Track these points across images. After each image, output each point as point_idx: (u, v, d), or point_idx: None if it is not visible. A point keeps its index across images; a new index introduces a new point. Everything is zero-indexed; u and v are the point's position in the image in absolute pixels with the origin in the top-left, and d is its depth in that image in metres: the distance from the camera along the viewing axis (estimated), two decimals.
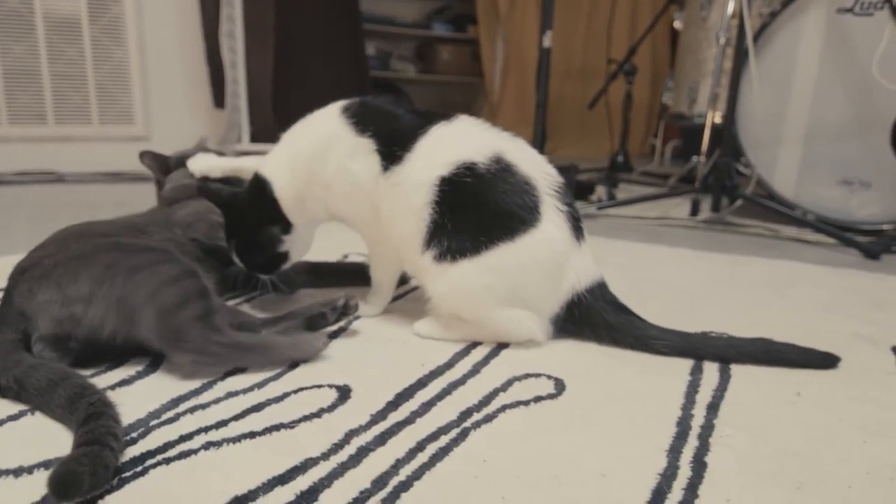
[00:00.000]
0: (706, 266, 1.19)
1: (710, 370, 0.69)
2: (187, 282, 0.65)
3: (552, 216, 0.72)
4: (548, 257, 0.71)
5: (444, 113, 0.79)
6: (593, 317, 0.74)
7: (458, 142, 0.73)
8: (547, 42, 2.07)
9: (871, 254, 1.35)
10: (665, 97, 2.34)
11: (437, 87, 4.20)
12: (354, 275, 0.96)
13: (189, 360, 0.63)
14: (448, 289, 0.72)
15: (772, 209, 1.60)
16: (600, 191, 1.99)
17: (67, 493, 0.42)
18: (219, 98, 2.32)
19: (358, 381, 0.63)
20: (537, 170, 0.74)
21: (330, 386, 0.62)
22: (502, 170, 0.71)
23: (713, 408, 0.61)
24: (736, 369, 0.70)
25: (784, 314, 0.91)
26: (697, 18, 2.14)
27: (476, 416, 0.57)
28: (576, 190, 2.03)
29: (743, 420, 0.58)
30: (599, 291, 0.75)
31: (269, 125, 2.34)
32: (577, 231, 0.74)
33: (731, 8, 1.93)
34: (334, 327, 0.77)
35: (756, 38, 1.60)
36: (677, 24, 2.27)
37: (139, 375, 0.64)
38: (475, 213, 0.70)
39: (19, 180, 2.11)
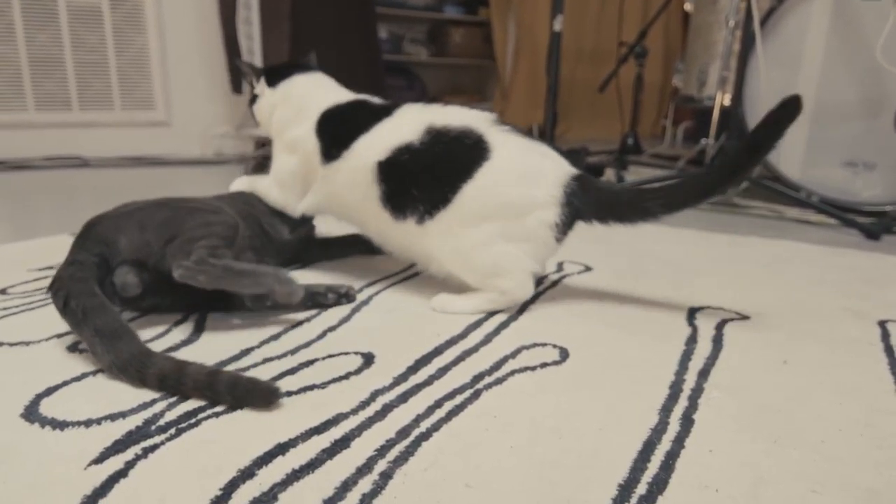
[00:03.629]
0: (705, 245, 1.24)
1: (704, 341, 0.75)
2: (219, 227, 0.75)
3: (501, 142, 0.81)
4: (512, 171, 0.80)
5: (392, 104, 0.92)
6: (589, 204, 0.81)
7: (392, 132, 0.85)
8: (558, 26, 2.10)
9: (872, 234, 1.39)
10: (676, 79, 2.36)
11: (449, 69, 4.22)
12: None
13: (181, 272, 0.69)
14: (438, 239, 0.82)
15: (776, 191, 1.64)
16: (609, 173, 2.03)
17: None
18: (236, 83, 2.38)
19: (380, 349, 0.70)
20: (473, 116, 0.84)
21: (355, 353, 0.69)
22: (437, 133, 0.82)
23: (704, 374, 0.66)
24: (728, 339, 0.76)
25: (775, 290, 0.96)
26: (708, 1, 2.16)
27: (487, 379, 0.63)
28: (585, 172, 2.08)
29: (730, 384, 0.64)
30: (583, 182, 0.81)
31: None
32: (534, 139, 0.84)
33: None
34: (356, 302, 0.84)
35: (765, 21, 1.63)
36: (688, 7, 2.29)
37: (184, 343, 0.71)
38: (432, 176, 0.81)
39: (47, 165, 2.19)
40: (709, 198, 0.79)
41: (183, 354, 0.67)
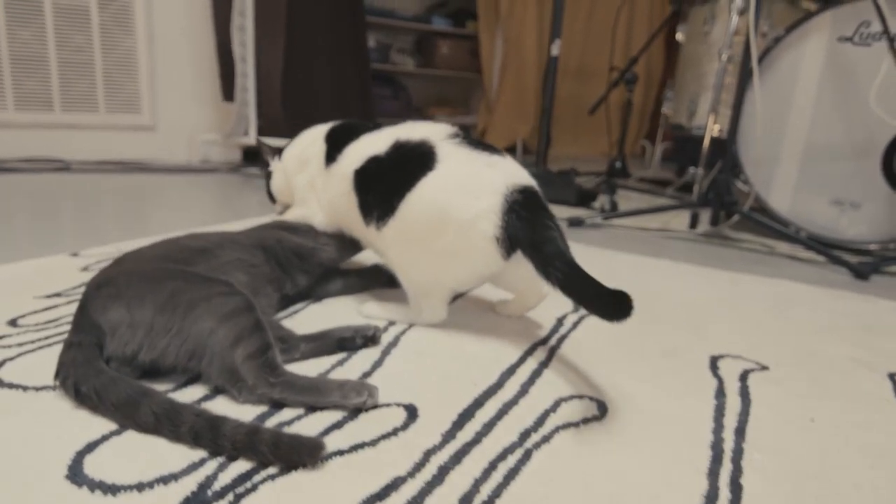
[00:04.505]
0: (708, 283, 1.27)
1: (732, 394, 0.77)
2: (242, 317, 0.69)
3: (447, 153, 0.83)
4: (450, 181, 0.81)
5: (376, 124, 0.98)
6: (523, 227, 0.78)
7: (369, 143, 0.91)
8: (555, 51, 2.12)
9: (860, 274, 1.45)
10: (665, 107, 2.41)
11: (436, 81, 4.23)
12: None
13: (242, 398, 0.66)
14: (390, 246, 0.87)
15: (766, 225, 1.69)
16: (603, 199, 2.06)
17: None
18: (228, 91, 2.33)
19: (421, 400, 0.70)
20: (433, 129, 0.88)
21: (397, 405, 0.68)
22: (398, 146, 0.87)
23: (740, 432, 0.68)
24: (754, 393, 0.78)
25: (785, 336, 0.99)
26: (700, 33, 2.22)
27: (535, 437, 0.64)
28: (578, 196, 2.10)
29: (767, 444, 0.66)
30: (527, 197, 0.79)
31: (277, 119, 2.36)
32: (489, 150, 0.85)
33: (734, 25, 2.01)
34: (382, 343, 0.83)
35: (760, 59, 1.68)
36: (679, 37, 2.34)
37: (215, 392, 0.69)
38: (385, 185, 0.86)
39: (25, 167, 2.11)
40: (586, 306, 0.73)
41: (216, 406, 0.66)
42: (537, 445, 0.62)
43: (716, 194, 1.72)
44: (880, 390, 0.82)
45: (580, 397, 0.73)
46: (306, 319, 0.92)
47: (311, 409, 0.66)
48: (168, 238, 0.87)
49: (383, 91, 3.75)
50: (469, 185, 0.81)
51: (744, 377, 0.83)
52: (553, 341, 0.90)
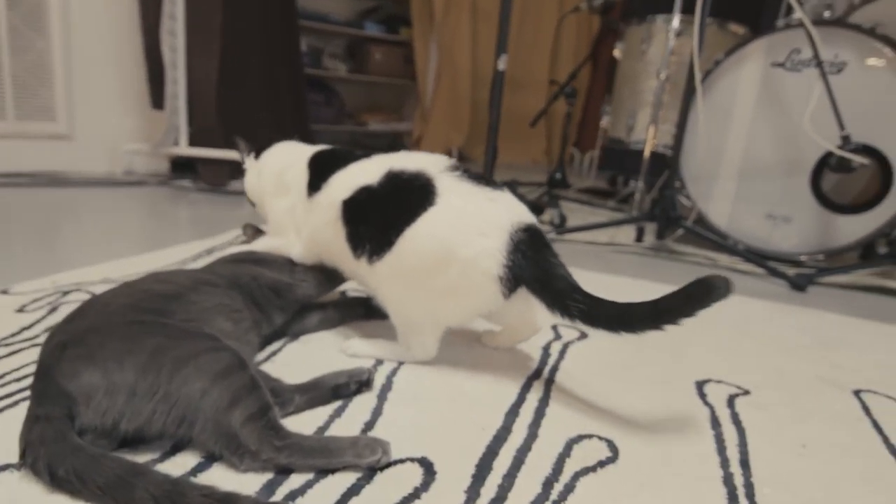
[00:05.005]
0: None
1: (727, 423, 0.79)
2: (236, 376, 0.63)
3: (447, 187, 0.80)
4: (453, 218, 0.78)
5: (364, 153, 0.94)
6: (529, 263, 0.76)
7: (359, 172, 0.87)
8: (502, 65, 2.12)
9: (798, 286, 1.55)
10: (604, 121, 2.49)
11: (369, 87, 4.16)
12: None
13: (244, 466, 0.60)
14: (383, 281, 0.83)
15: (708, 239, 1.78)
16: (551, 212, 2.09)
17: None
18: (157, 98, 2.18)
19: (433, 452, 0.66)
20: (429, 160, 0.85)
21: (411, 460, 0.64)
22: (392, 177, 0.83)
23: (745, 465, 0.70)
24: (745, 420, 0.80)
25: (755, 357, 1.04)
26: (637, 51, 2.30)
27: (558, 487, 0.62)
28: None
29: (771, 475, 0.68)
30: (531, 235, 0.77)
31: (211, 128, 2.23)
32: (489, 184, 0.82)
33: (671, 46, 2.10)
34: (375, 387, 0.79)
35: (702, 80, 1.76)
36: (617, 53, 2.42)
37: (210, 460, 0.62)
38: (380, 218, 0.83)
39: None
40: (626, 331, 0.73)
41: (216, 475, 0.59)
42: (563, 497, 0.61)
43: (662, 209, 1.79)
44: (851, 409, 0.87)
45: (589, 437, 0.73)
46: (288, 362, 0.86)
47: (321, 471, 0.61)
48: (130, 282, 0.78)
49: (316, 97, 3.65)
50: (473, 222, 0.78)
51: (731, 403, 0.85)
52: (546, 373, 0.89)
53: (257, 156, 1.06)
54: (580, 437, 0.72)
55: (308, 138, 3.53)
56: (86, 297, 1.02)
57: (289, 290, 0.91)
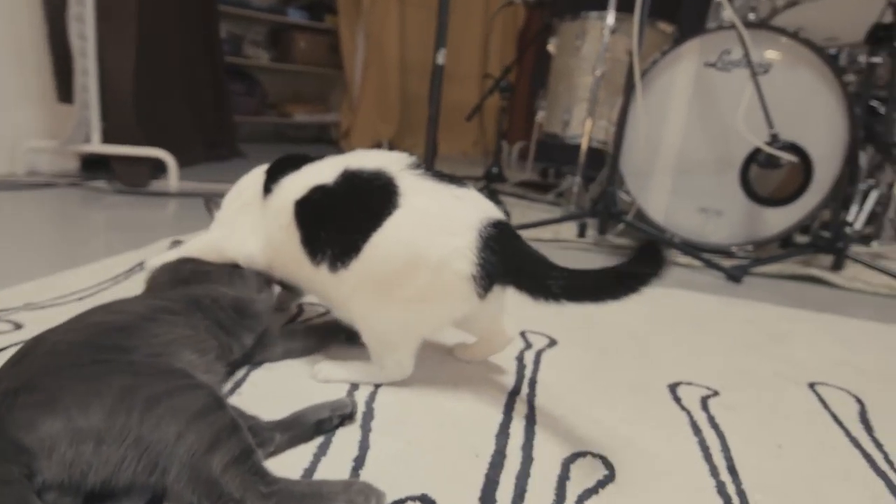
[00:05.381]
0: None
1: (706, 427, 0.81)
2: (214, 416, 0.56)
3: (411, 187, 0.76)
4: (421, 220, 0.74)
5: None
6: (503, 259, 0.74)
7: (312, 172, 0.84)
8: (441, 59, 2.10)
9: (734, 277, 1.62)
10: (539, 116, 2.51)
11: (293, 76, 4.00)
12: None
13: None
14: (351, 291, 0.78)
15: (648, 233, 1.83)
16: None
17: None
18: (64, 91, 1.97)
19: (431, 487, 0.63)
20: (387, 158, 0.81)
21: (411, 500, 0.61)
22: (349, 176, 0.80)
23: (733, 471, 0.71)
24: (721, 422, 0.82)
25: (715, 355, 1.07)
26: (571, 47, 2.33)
27: None
28: None
29: (759, 481, 0.69)
30: (500, 231, 0.75)
31: (128, 124, 2.05)
32: (452, 181, 0.79)
33: (606, 42, 2.13)
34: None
35: (633, 84, 1.80)
36: (551, 49, 2.44)
37: None
38: (341, 221, 0.79)
39: None
40: (608, 298, 0.69)
41: None
42: None
43: (604, 205, 1.82)
44: (810, 403, 0.91)
45: (583, 455, 0.71)
46: (257, 394, 0.79)
47: None
48: (77, 316, 0.69)
49: (236, 86, 3.46)
50: (440, 222, 0.75)
51: (705, 405, 0.87)
52: (525, 387, 0.87)
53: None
54: (574, 456, 0.71)
55: (230, 131, 3.33)
56: (7, 327, 0.90)
57: (251, 305, 0.84)
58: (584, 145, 2.18)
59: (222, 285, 0.85)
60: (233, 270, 0.89)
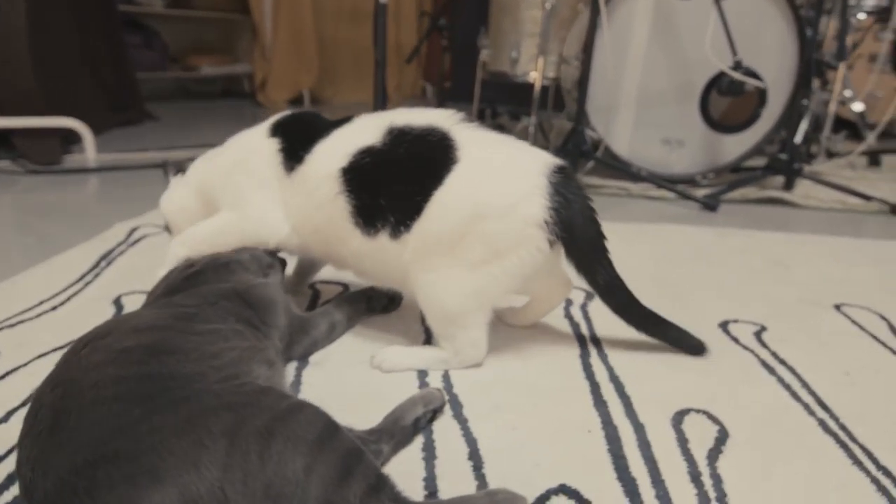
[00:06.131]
0: (624, 240, 1.32)
1: (777, 366, 0.81)
2: (336, 440, 0.48)
3: (471, 140, 0.72)
4: (485, 169, 0.71)
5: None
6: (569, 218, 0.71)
7: (350, 135, 0.76)
8: None
9: (710, 206, 1.66)
10: (483, 54, 2.40)
11: (194, 24, 3.61)
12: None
13: None
14: (416, 257, 0.72)
15: (617, 168, 1.83)
16: None
17: None
18: None
19: (565, 475, 0.58)
20: (435, 115, 0.75)
21: (555, 494, 0.55)
22: (397, 136, 0.73)
23: (824, 406, 0.72)
24: (790, 360, 0.83)
25: (736, 289, 1.08)
26: None
27: (707, 480, 0.58)
28: None
29: (849, 411, 0.70)
30: (567, 176, 0.72)
31: (27, 90, 1.75)
32: (500, 132, 0.77)
33: None
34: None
35: (597, 14, 1.74)
36: None
37: None
38: (397, 183, 0.72)
39: None
40: (627, 319, 0.78)
41: None
42: (718, 489, 0.57)
43: (574, 144, 1.79)
44: (846, 327, 0.94)
45: (686, 412, 0.69)
46: (317, 396, 0.69)
47: None
48: (85, 344, 0.54)
49: (133, 38, 3.06)
50: (506, 171, 0.71)
51: (762, 342, 0.88)
52: (592, 349, 0.84)
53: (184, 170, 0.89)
54: (680, 416, 0.69)
55: (134, 91, 2.97)
56: None
57: (263, 292, 0.71)
58: (538, 83, 2.12)
59: (222, 279, 0.72)
60: (228, 259, 0.75)
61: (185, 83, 3.78)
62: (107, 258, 1.07)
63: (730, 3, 1.68)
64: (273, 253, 0.82)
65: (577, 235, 0.71)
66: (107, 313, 0.86)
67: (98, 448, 0.43)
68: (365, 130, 0.75)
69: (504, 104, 2.83)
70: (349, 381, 0.73)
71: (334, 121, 0.81)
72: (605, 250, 0.74)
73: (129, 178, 1.70)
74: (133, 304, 0.89)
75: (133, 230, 1.22)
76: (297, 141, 0.78)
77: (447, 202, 0.70)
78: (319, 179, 0.75)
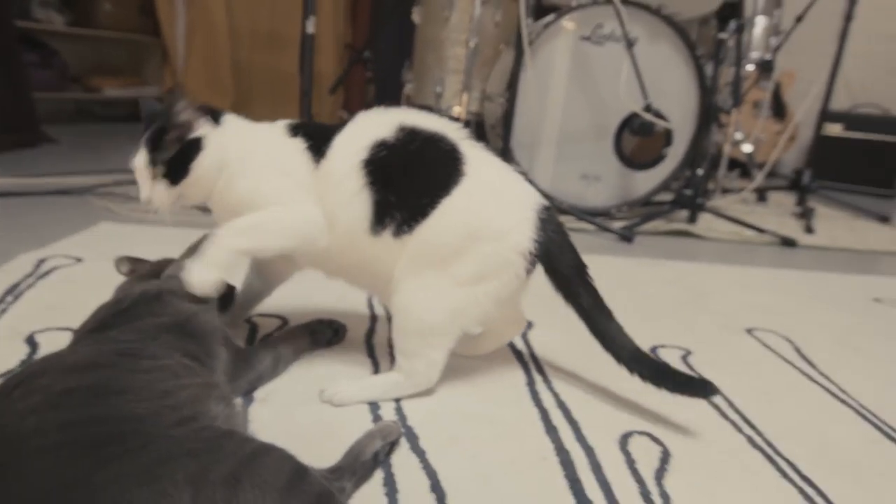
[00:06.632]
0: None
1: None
2: (304, 483, 0.47)
3: (478, 158, 0.74)
4: (490, 191, 0.73)
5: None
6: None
7: (364, 128, 0.75)
8: (310, 28, 1.95)
9: (626, 238, 1.76)
10: (407, 88, 2.44)
11: (97, 44, 3.42)
12: None
13: None
14: (408, 259, 0.72)
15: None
16: None
17: None
18: None
19: (529, 503, 0.59)
20: (442, 125, 0.76)
21: None
22: (410, 133, 0.73)
23: (750, 424, 0.78)
24: (717, 381, 0.89)
25: (661, 317, 1.16)
26: (440, 18, 2.28)
27: (656, 499, 0.61)
28: None
29: (773, 429, 0.77)
30: (551, 215, 0.77)
31: None
32: (508, 160, 0.82)
33: (478, 13, 2.13)
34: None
35: (521, 54, 1.83)
36: (416, 18, 2.37)
37: None
38: (409, 179, 0.72)
39: None
40: (606, 347, 0.77)
41: None
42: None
43: None
44: (757, 349, 1.03)
45: (630, 434, 0.73)
46: (267, 437, 0.66)
47: None
48: (15, 387, 0.50)
49: (29, 57, 2.84)
50: (506, 197, 0.74)
51: (688, 364, 0.94)
52: (536, 375, 0.86)
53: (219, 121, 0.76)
54: (625, 437, 0.72)
55: (30, 112, 2.77)
56: None
57: (198, 320, 0.68)
58: (463, 117, 2.18)
59: (156, 313, 0.68)
60: (159, 290, 0.70)
61: (86, 105, 3.55)
62: (13, 292, 0.97)
63: (640, 50, 1.83)
64: None
65: (559, 265, 0.76)
66: (19, 352, 0.78)
67: (52, 499, 0.39)
68: (376, 125, 0.74)
69: None
70: (299, 417, 0.70)
71: (335, 124, 0.78)
72: (587, 277, 0.77)
73: (27, 205, 1.56)
74: (51, 342, 0.81)
75: (41, 261, 1.12)
76: (317, 139, 0.75)
77: (451, 214, 0.71)
78: (343, 173, 0.72)
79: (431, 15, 2.32)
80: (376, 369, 0.83)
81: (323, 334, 0.88)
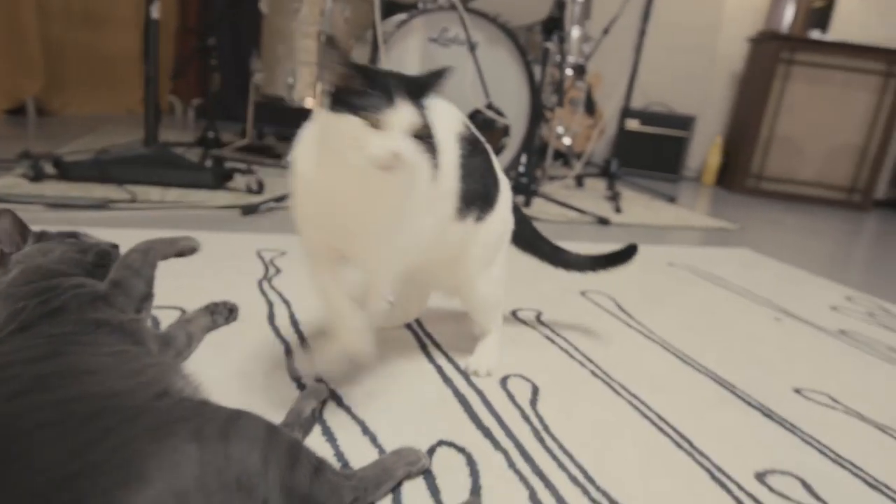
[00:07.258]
0: None
1: (563, 343, 1.09)
2: (279, 434, 0.56)
3: (488, 148, 0.88)
4: (505, 180, 0.92)
5: None
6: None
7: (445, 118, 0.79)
8: (155, 13, 1.90)
9: None
10: (256, 77, 2.43)
11: None
12: None
13: None
14: (478, 246, 0.85)
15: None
16: (248, 178, 1.97)
17: None
18: None
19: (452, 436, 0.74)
20: (458, 115, 0.82)
21: (446, 444, 0.71)
22: (470, 129, 0.82)
23: (591, 362, 1.01)
24: (568, 337, 1.11)
25: (511, 284, 1.37)
26: (289, 10, 2.31)
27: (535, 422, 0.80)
28: (215, 178, 1.95)
29: (626, 374, 1.01)
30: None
31: None
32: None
33: (329, 8, 2.20)
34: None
35: (377, 52, 1.95)
36: (264, 8, 2.37)
37: None
38: (480, 172, 0.81)
39: None
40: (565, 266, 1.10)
41: None
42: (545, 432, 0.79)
43: None
44: (587, 306, 1.29)
45: (510, 376, 0.91)
46: None
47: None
48: None
49: None
50: (507, 192, 0.92)
51: (541, 321, 1.16)
52: (424, 338, 1.01)
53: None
54: (504, 380, 0.90)
55: None
56: None
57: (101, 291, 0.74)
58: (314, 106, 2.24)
59: (86, 316, 0.71)
60: (93, 296, 0.72)
61: None
62: None
63: (481, 53, 2.05)
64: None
65: (524, 233, 1.00)
66: None
67: (65, 467, 0.45)
68: (447, 114, 0.77)
69: (271, 126, 2.89)
70: (228, 395, 0.78)
71: None
72: (540, 236, 1.06)
73: None
74: None
75: None
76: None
77: (503, 209, 0.88)
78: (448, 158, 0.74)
79: (280, 7, 2.34)
80: (287, 347, 0.92)
81: (220, 314, 0.95)
